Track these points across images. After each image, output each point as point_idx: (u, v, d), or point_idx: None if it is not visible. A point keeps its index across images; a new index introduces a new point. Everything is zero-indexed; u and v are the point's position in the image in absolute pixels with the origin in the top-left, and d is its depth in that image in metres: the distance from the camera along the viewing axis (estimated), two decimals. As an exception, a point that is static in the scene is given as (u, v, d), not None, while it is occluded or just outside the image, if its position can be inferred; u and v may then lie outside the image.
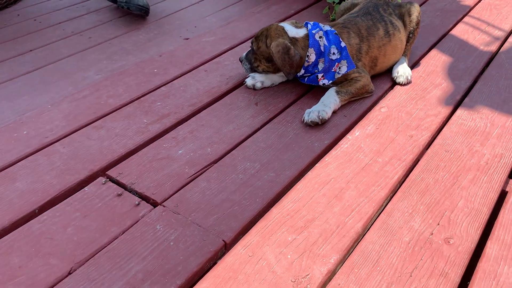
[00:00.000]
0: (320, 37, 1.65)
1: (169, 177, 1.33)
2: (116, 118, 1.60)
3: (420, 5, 2.54)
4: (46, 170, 1.36)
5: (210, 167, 1.38)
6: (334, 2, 2.32)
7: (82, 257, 1.09)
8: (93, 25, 2.61)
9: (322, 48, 1.64)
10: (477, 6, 2.53)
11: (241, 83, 1.82)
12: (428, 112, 1.62)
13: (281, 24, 1.70)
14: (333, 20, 2.34)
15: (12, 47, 2.38)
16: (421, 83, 1.80)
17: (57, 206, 1.23)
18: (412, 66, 1.91)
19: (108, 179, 1.32)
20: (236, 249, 1.10)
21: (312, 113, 1.54)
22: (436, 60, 1.97)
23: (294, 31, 1.67)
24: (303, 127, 1.55)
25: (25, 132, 1.52)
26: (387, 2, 1.90)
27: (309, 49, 1.64)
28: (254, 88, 1.76)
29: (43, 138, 1.49)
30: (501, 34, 2.21)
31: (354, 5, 1.97)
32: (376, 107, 1.66)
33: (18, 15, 2.81)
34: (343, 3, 2.03)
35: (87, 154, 1.42)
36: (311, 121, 1.53)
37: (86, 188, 1.30)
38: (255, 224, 1.18)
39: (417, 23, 1.88)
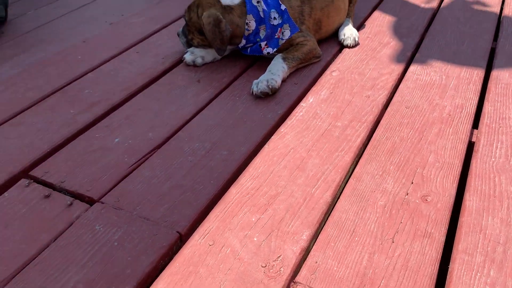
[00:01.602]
0: (258, 1, 1.51)
1: (106, 170, 1.15)
2: (37, 112, 1.38)
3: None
4: (-47, 179, 1.13)
5: (154, 153, 1.20)
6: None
7: (7, 274, 0.89)
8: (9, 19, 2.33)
9: (261, 14, 1.50)
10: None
11: (179, 62, 1.65)
12: (382, 71, 1.53)
13: None
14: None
15: None
16: (369, 43, 1.71)
17: (-31, 219, 1.02)
18: (358, 28, 1.82)
19: (31, 180, 1.12)
20: (194, 240, 0.94)
21: (261, 83, 1.40)
22: (381, 20, 1.90)
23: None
24: (253, 99, 1.41)
25: None
26: (324, -38, 1.79)
27: (248, 16, 1.49)
28: (194, 65, 1.60)
29: None
30: (439, -9, 2.18)
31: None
32: (327, 72, 1.54)
33: None
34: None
35: (5, 156, 1.20)
36: (260, 92, 1.39)
37: (6, 194, 1.08)
38: (212, 208, 1.02)
39: (358, -18, 1.78)
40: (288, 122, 1.30)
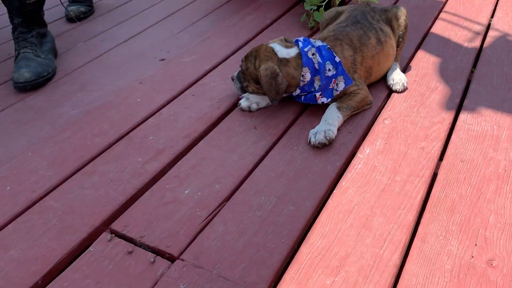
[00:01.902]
0: (313, 54, 1.57)
1: (181, 224, 1.22)
2: (107, 160, 1.47)
3: (394, 4, 2.51)
4: (41, 231, 1.21)
5: (223, 206, 1.28)
6: (312, 9, 2.26)
7: (102, 333, 0.97)
8: (59, 52, 2.43)
9: (316, 65, 1.56)
10: (449, 0, 2.54)
11: (233, 106, 1.73)
12: (433, 120, 1.58)
13: (271, 44, 1.61)
14: (312, 27, 2.28)
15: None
16: (417, 88, 1.76)
17: (62, 274, 1.10)
18: (403, 70, 1.87)
19: (113, 235, 1.20)
20: (274, 302, 1.01)
21: (319, 133, 1.46)
22: (425, 61, 1.94)
23: (285, 52, 1.58)
24: (311, 149, 1.47)
25: (8, 188, 1.36)
26: (373, 8, 1.85)
27: (303, 68, 1.56)
28: (249, 110, 1.67)
29: (30, 193, 1.34)
30: (480, 28, 2.21)
31: (338, 14, 1.91)
32: (379, 119, 1.60)
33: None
34: (326, 13, 1.96)
35: (84, 207, 1.29)
36: (318, 143, 1.46)
37: (91, 248, 1.17)
38: (286, 269, 1.09)
39: (405, 27, 1.84)
40: (348, 175, 1.36)
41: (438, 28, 2.23)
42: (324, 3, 2.26)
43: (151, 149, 1.51)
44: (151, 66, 2.19)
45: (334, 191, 1.31)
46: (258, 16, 2.49)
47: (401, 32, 1.83)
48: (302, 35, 2.25)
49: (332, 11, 1.93)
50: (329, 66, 1.56)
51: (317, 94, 1.59)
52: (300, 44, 1.59)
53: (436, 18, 2.35)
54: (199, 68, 2.00)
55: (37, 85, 2.06)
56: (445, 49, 2.04)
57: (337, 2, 2.40)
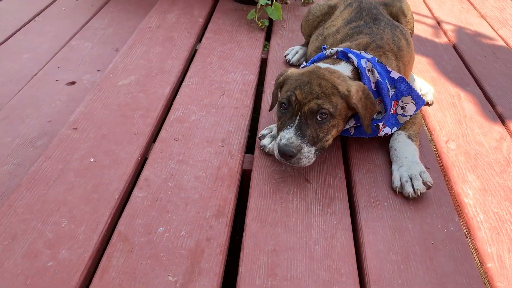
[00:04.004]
0: (369, 70, 1.13)
1: None
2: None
3: None
4: None
5: None
6: (266, 4, 1.77)
7: None
8: None
9: (373, 85, 1.13)
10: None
11: (248, 147, 1.17)
12: (493, 136, 1.30)
13: (320, 63, 1.11)
14: (263, 27, 1.79)
15: None
16: (439, 96, 1.47)
17: None
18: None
19: None
20: None
21: (415, 180, 1.04)
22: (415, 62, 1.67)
23: (340, 69, 1.12)
24: (405, 203, 1.04)
25: None
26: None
27: None
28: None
29: None
30: (433, 22, 2.06)
31: (332, 8, 1.48)
32: (440, 144, 1.26)
33: None
34: (315, 8, 1.51)
35: None
36: (420, 193, 1.03)
37: None
38: None
39: (413, 24, 1.52)
40: (479, 234, 0.98)
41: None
42: (275, -4, 1.81)
43: (178, 254, 0.86)
44: (62, 96, 1.42)
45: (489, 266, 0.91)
46: (182, 14, 1.88)
47: (410, 31, 1.50)
48: (255, 37, 1.75)
49: (324, 5, 1.50)
50: (388, 84, 1.14)
51: (380, 124, 1.14)
52: (353, 58, 1.12)
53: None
54: (155, 94, 1.34)
55: None
56: (424, 48, 1.81)
57: (287, -5, 1.97)
